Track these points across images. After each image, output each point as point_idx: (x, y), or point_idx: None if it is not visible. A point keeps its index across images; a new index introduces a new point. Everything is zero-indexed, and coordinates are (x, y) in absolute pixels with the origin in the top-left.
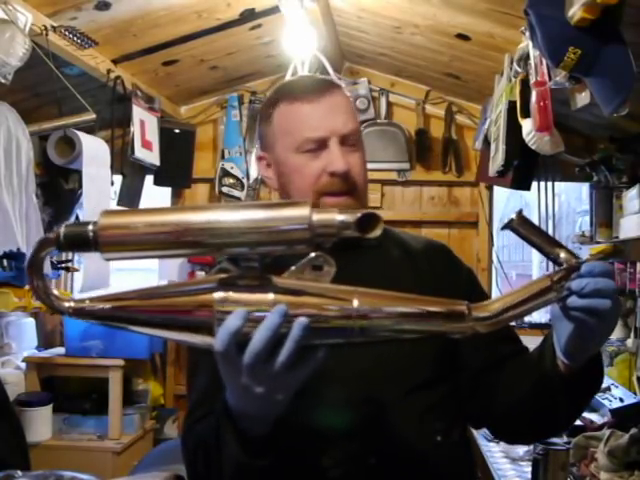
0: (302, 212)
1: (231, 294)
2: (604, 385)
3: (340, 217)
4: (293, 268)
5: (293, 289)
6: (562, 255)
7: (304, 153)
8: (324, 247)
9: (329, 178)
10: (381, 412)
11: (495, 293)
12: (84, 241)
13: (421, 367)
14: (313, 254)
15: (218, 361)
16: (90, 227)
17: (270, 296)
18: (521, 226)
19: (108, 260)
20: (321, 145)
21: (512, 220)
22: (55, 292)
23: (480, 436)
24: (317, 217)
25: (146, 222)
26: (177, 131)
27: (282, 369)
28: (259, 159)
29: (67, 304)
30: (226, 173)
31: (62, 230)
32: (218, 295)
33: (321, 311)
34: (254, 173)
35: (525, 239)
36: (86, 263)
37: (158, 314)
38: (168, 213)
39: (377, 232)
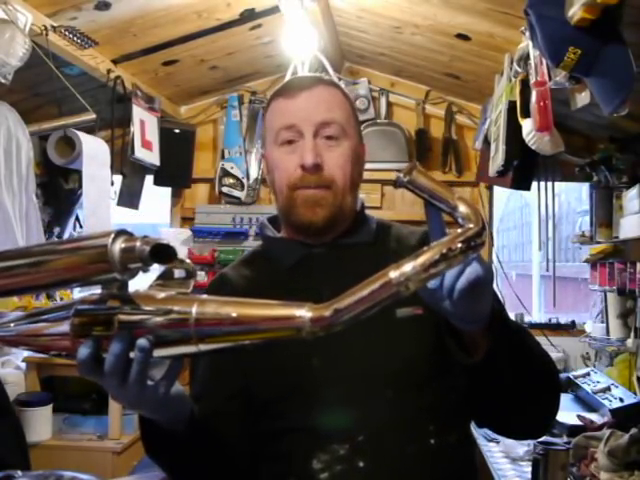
0: (101, 242)
1: (85, 319)
2: (604, 385)
3: (138, 248)
4: (156, 277)
5: (138, 310)
6: (461, 209)
7: (281, 146)
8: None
9: (300, 172)
10: (371, 415)
11: None
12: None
13: (412, 369)
14: (174, 262)
15: None
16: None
17: (120, 317)
18: (416, 181)
19: None
20: (296, 138)
21: (401, 177)
22: None
23: (480, 436)
24: (115, 248)
25: None
26: (177, 131)
27: (136, 387)
28: (262, 158)
29: None
30: (226, 173)
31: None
32: (70, 322)
33: (160, 327)
34: (254, 173)
35: (421, 196)
36: None
37: (26, 339)
38: None
39: (174, 263)
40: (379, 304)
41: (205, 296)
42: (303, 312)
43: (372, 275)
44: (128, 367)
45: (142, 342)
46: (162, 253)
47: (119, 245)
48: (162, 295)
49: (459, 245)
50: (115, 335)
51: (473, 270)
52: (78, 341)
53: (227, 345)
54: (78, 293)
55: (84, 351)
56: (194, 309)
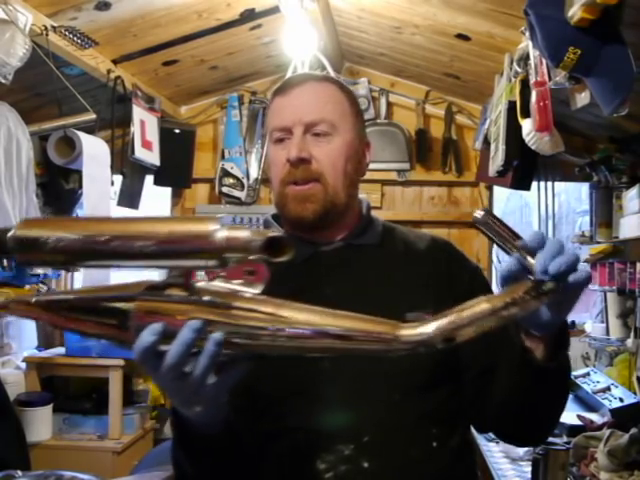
0: (208, 228)
1: (150, 304)
2: (604, 385)
3: (245, 238)
4: (224, 273)
5: (213, 301)
6: (529, 260)
7: (275, 144)
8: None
9: (289, 167)
10: (376, 416)
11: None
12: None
13: (417, 372)
14: (248, 259)
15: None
16: (9, 234)
17: (188, 307)
18: (488, 223)
19: (20, 265)
20: (288, 136)
21: (477, 218)
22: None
23: (480, 436)
24: (221, 236)
25: (55, 237)
26: (177, 131)
27: (197, 383)
28: (266, 156)
29: None
30: (226, 173)
31: None
32: (134, 305)
33: (238, 325)
34: (254, 173)
35: (492, 237)
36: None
37: (82, 320)
38: (77, 225)
39: (286, 257)
40: (483, 328)
41: (285, 301)
42: (392, 329)
43: (379, 277)
44: (189, 360)
45: (218, 336)
46: (275, 246)
47: (226, 233)
48: (241, 294)
49: (522, 295)
50: (188, 323)
51: (584, 272)
52: (141, 325)
53: (306, 353)
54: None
55: (149, 338)
56: (274, 312)
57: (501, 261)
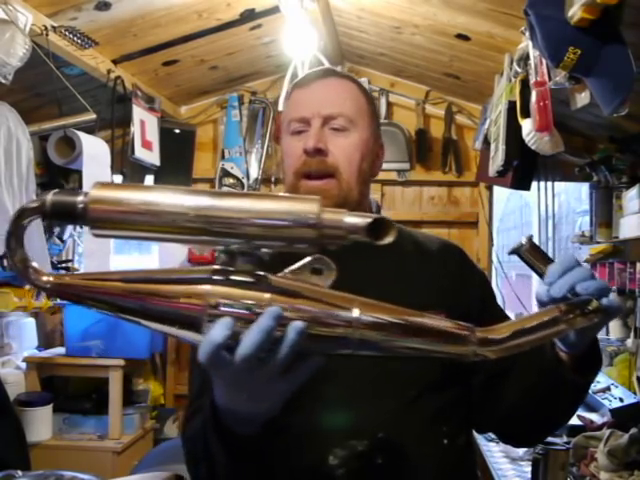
0: (310, 208)
1: (223, 289)
2: (604, 385)
3: (349, 219)
4: (291, 268)
5: (290, 290)
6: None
7: (292, 135)
8: (329, 249)
9: (305, 157)
10: (390, 413)
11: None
12: (71, 212)
13: (433, 370)
14: (312, 256)
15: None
16: (80, 198)
17: (265, 295)
18: (530, 252)
19: (96, 236)
20: (305, 126)
21: (521, 245)
22: (35, 264)
23: (480, 436)
24: (326, 216)
25: (142, 201)
26: (177, 131)
27: (273, 376)
28: (279, 145)
29: (45, 278)
30: (226, 173)
31: (49, 197)
32: (208, 289)
33: (319, 316)
34: (254, 173)
35: (531, 266)
36: (86, 262)
37: (141, 301)
38: (168, 193)
39: (389, 239)
40: (545, 338)
41: (363, 298)
42: (470, 332)
43: (390, 276)
44: (269, 351)
45: (299, 324)
46: (377, 228)
47: (330, 215)
48: (314, 286)
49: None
50: (268, 310)
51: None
52: (211, 315)
53: (382, 353)
54: None
55: (221, 332)
56: (356, 311)
57: (501, 261)
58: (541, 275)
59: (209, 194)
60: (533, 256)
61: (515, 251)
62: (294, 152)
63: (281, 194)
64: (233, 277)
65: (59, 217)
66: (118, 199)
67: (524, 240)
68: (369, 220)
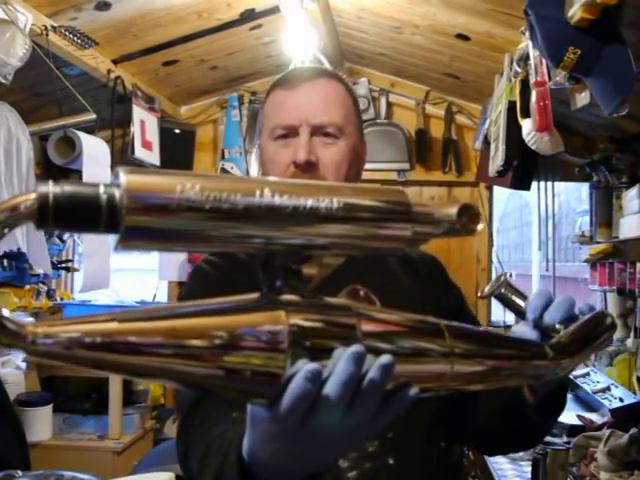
0: (405, 199)
1: (305, 323)
2: (604, 385)
3: (439, 210)
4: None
5: (372, 315)
6: (557, 326)
7: (276, 140)
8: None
9: (293, 169)
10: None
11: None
12: (94, 212)
13: None
14: (353, 287)
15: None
16: (102, 189)
17: (357, 332)
18: (508, 291)
19: (125, 249)
20: (292, 133)
21: (499, 285)
22: (5, 313)
23: None
24: (417, 210)
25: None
26: (177, 131)
27: (366, 419)
28: (257, 148)
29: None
30: (226, 173)
31: (52, 190)
32: (287, 327)
33: (417, 349)
34: (254, 173)
35: (509, 306)
36: (86, 262)
37: (187, 360)
38: (229, 182)
39: (479, 226)
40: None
41: (449, 322)
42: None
43: (379, 282)
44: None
45: (387, 358)
46: (466, 216)
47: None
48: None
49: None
50: (349, 352)
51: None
52: (284, 357)
53: (470, 387)
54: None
55: (304, 385)
56: (449, 341)
57: (501, 261)
58: (520, 313)
59: (280, 184)
60: (512, 294)
61: (493, 293)
62: (281, 161)
63: (366, 186)
64: (302, 302)
65: (68, 221)
66: (165, 185)
67: (502, 278)
68: (456, 208)
